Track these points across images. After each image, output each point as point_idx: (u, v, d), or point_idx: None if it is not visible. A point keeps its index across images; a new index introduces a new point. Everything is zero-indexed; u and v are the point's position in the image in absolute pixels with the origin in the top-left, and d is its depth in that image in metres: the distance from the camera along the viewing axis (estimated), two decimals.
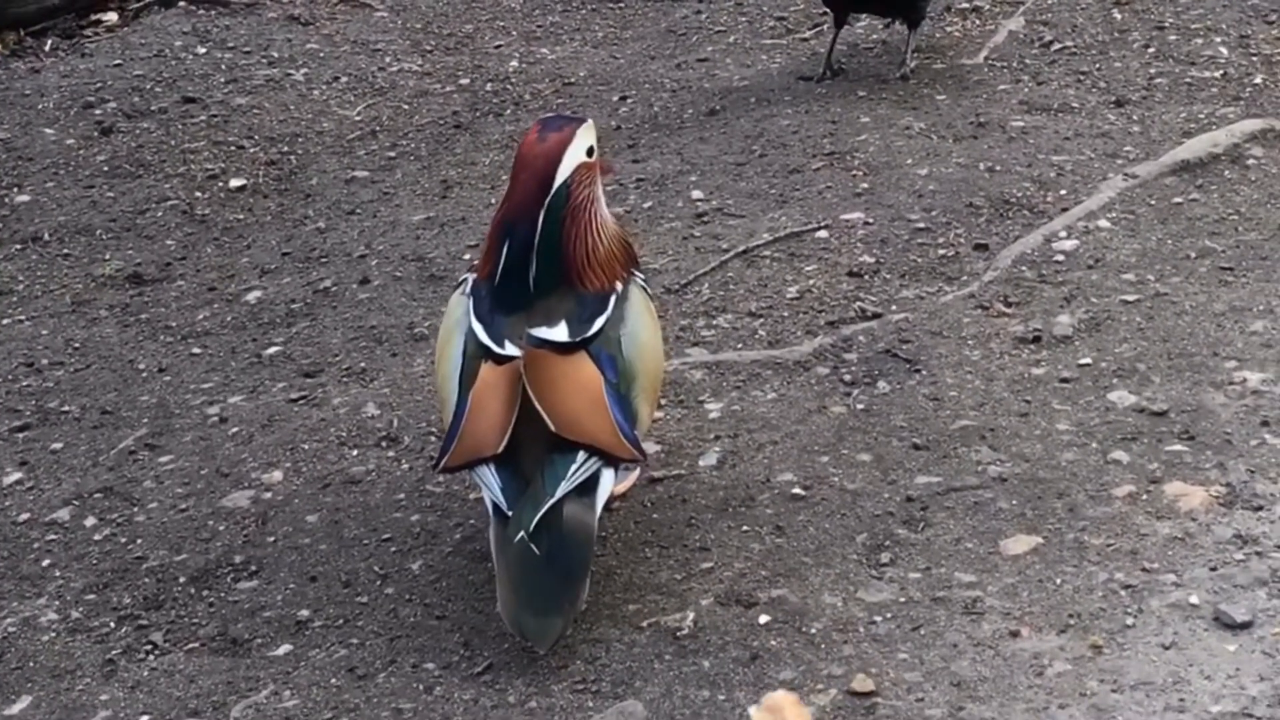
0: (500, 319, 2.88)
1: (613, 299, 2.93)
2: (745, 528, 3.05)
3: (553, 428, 2.77)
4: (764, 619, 2.82)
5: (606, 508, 3.05)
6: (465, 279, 3.02)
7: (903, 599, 2.84)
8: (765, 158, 4.58)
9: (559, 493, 2.75)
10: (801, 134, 4.71)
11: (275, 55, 5.85)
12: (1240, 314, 3.56)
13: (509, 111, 5.26)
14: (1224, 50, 5.07)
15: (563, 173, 2.90)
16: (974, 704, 2.60)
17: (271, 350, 3.89)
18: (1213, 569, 2.84)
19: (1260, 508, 2.97)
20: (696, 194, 4.41)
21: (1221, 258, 3.79)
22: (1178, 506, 3.00)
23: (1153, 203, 4.06)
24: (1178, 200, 4.06)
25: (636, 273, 3.04)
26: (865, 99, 4.94)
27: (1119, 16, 5.43)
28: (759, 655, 2.74)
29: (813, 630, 2.78)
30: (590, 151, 2.97)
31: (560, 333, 2.86)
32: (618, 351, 2.89)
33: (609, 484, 2.86)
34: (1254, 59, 4.99)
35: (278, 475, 3.36)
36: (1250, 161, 4.21)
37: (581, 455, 2.79)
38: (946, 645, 2.73)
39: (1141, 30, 5.30)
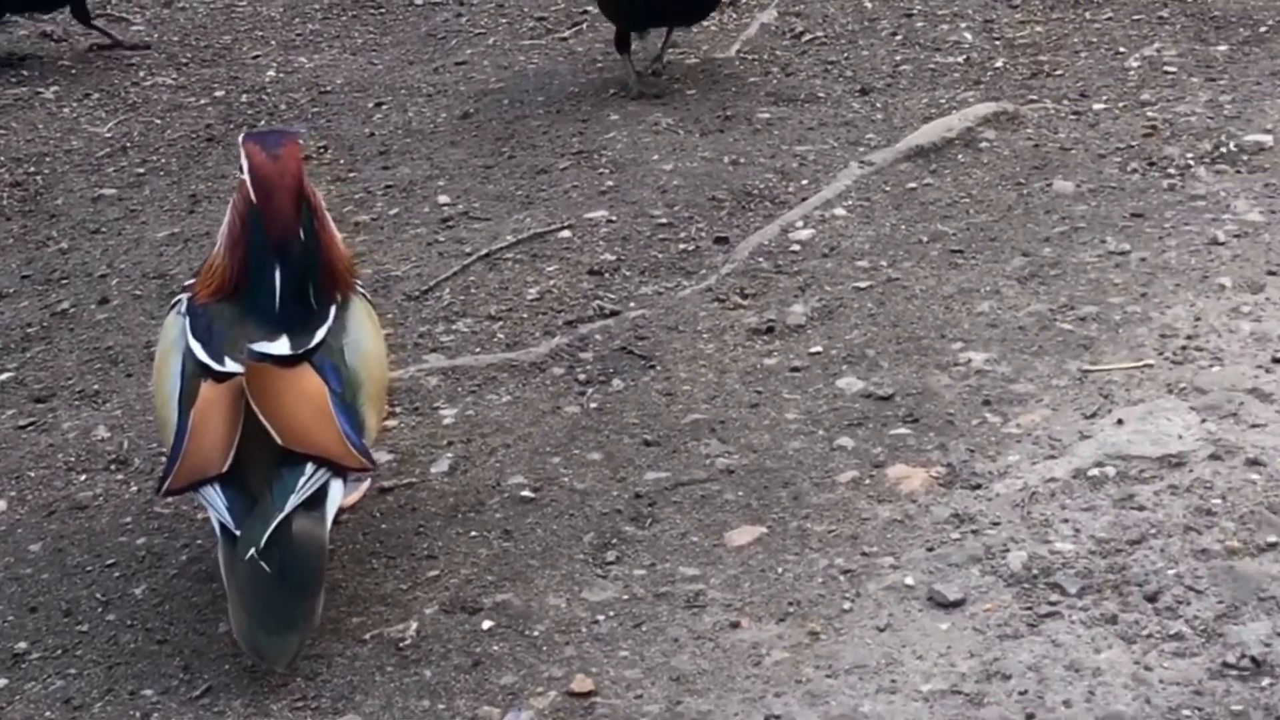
0: (219, 336, 2.83)
1: (333, 309, 2.90)
2: (474, 533, 3.04)
3: (279, 441, 2.74)
4: (487, 624, 2.80)
5: (335, 520, 3.02)
6: (180, 299, 2.97)
7: (626, 596, 2.84)
8: (514, 159, 4.57)
9: (288, 507, 2.72)
10: (551, 134, 4.70)
11: (25, 73, 5.73)
12: (968, 295, 3.61)
13: (263, 122, 5.19)
14: (969, 35, 5.16)
15: (307, 187, 2.89)
16: (692, 697, 2.61)
17: (2, 377, 3.80)
18: (929, 549, 2.87)
19: (978, 486, 3.01)
20: (443, 199, 4.38)
21: (952, 241, 3.85)
22: (899, 489, 3.03)
23: (888, 189, 4.11)
24: (912, 186, 4.11)
25: (356, 282, 3.02)
26: (616, 96, 4.95)
27: (870, 5, 5.51)
28: (481, 661, 2.72)
29: (535, 633, 2.78)
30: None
31: (281, 345, 2.82)
32: (341, 361, 2.86)
33: (338, 495, 2.83)
34: (997, 43, 5.08)
35: (1, 505, 3.28)
36: (983, 144, 4.28)
37: (310, 467, 2.76)
38: (667, 640, 2.73)
39: (891, 18, 5.37)
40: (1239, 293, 3.53)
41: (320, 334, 2.85)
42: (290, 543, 2.71)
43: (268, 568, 2.66)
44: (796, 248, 3.87)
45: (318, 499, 2.77)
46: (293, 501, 2.71)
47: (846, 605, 2.77)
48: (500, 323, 3.72)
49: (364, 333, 2.93)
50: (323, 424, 2.78)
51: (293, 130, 3.00)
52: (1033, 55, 4.94)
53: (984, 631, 2.68)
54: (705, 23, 5.46)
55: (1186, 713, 2.48)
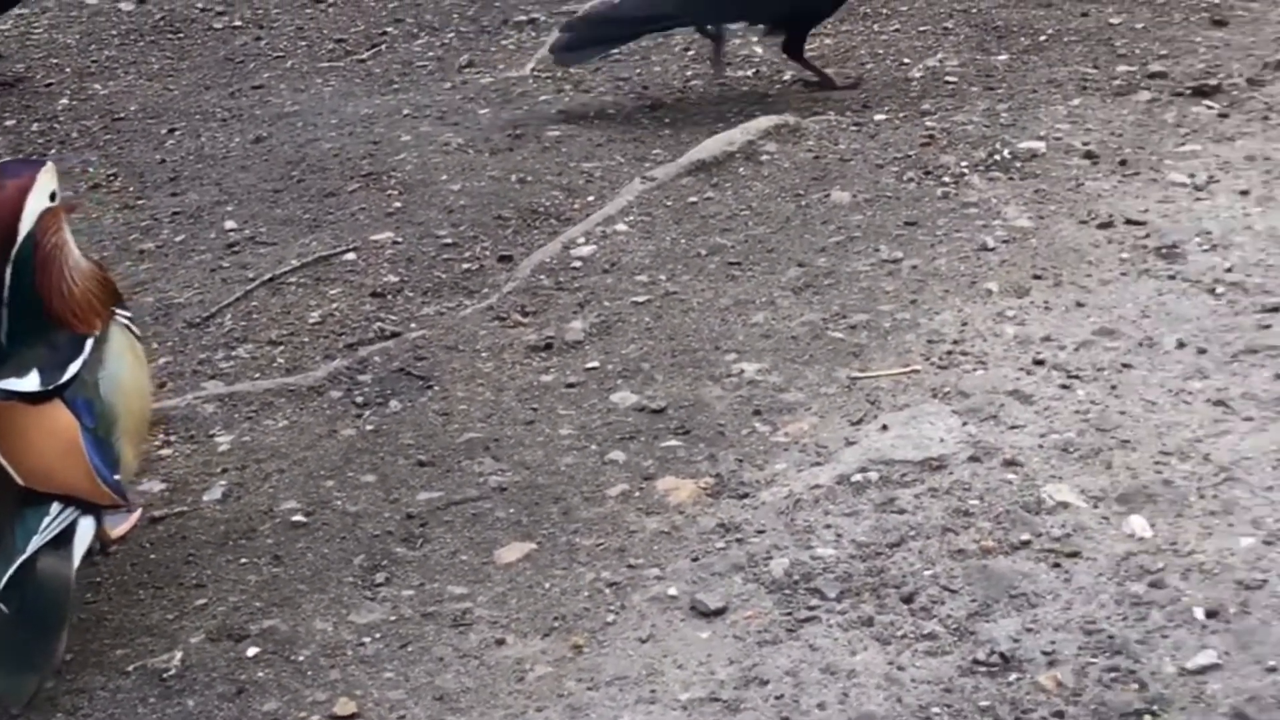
0: None
1: (89, 342, 2.87)
2: (244, 560, 3.03)
3: (19, 481, 2.71)
4: (253, 651, 2.79)
5: (103, 552, 3.00)
6: None
7: (393, 617, 2.85)
8: (303, 183, 4.56)
9: (30, 548, 2.69)
10: (342, 156, 4.70)
11: None
12: (744, 307, 3.66)
13: (54, 151, 5.12)
14: (759, 49, 5.22)
15: (26, 222, 2.84)
16: (454, 716, 2.62)
17: None
18: (694, 559, 2.91)
19: (745, 495, 3.06)
20: (230, 224, 4.36)
21: (731, 253, 3.90)
22: (667, 501, 3.06)
23: (669, 203, 4.15)
24: (693, 200, 4.16)
25: (120, 312, 2.99)
26: (409, 117, 4.95)
27: None
28: (245, 689, 2.72)
29: (300, 658, 2.77)
30: (53, 196, 2.90)
31: (31, 382, 2.79)
32: (95, 395, 2.84)
33: (88, 533, 2.80)
34: (786, 56, 5.13)
35: None
36: (764, 157, 4.34)
37: (56, 506, 2.74)
38: (432, 659, 2.74)
39: (685, 34, 5.41)
40: (1005, 297, 3.61)
41: (74, 369, 2.83)
42: (32, 583, 2.69)
43: (6, 609, 2.64)
44: (578, 264, 3.90)
45: (65, 537, 2.75)
46: (35, 543, 2.69)
47: (610, 618, 2.80)
48: (280, 347, 3.71)
49: (123, 365, 2.90)
50: (71, 461, 2.76)
51: (39, 161, 2.96)
52: (820, 68, 5.01)
53: (744, 638, 2.72)
54: (504, 42, 5.50)
55: (936, 710, 2.54)
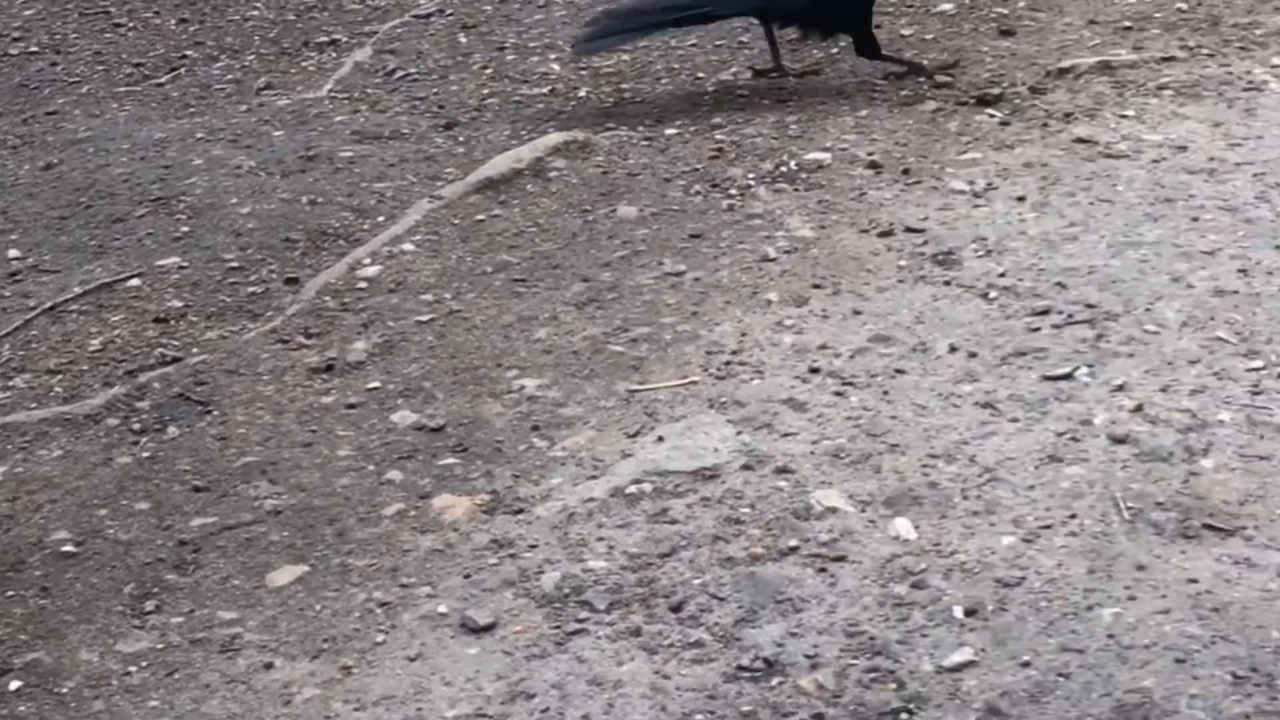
0: None
1: None
2: (10, 593, 2.98)
3: None
4: (15, 685, 2.75)
5: None
6: None
7: (161, 645, 2.82)
8: (91, 209, 4.50)
9: None
10: (132, 182, 4.64)
11: None
12: (527, 323, 3.67)
13: None
14: (556, 67, 5.24)
15: None
16: None
17: None
18: (466, 576, 2.91)
19: (520, 511, 3.06)
20: (13, 253, 4.29)
21: (516, 270, 3.91)
22: (442, 519, 3.06)
23: (457, 222, 4.15)
24: (481, 218, 4.17)
25: None
26: (203, 141, 4.91)
27: (464, 40, 5.56)
28: None
29: (64, 690, 2.74)
30: None
31: None
32: None
33: None
34: (583, 73, 5.17)
35: None
36: (553, 174, 4.35)
37: None
38: (199, 686, 2.72)
39: (484, 52, 5.43)
40: (784, 307, 3.65)
41: None
42: None
43: None
44: (363, 285, 3.89)
45: None
46: None
47: (380, 638, 2.79)
48: (59, 376, 3.66)
49: None
50: None
51: None
52: (616, 84, 5.04)
53: (512, 653, 2.72)
54: (304, 64, 5.47)
55: (700, 717, 2.56)
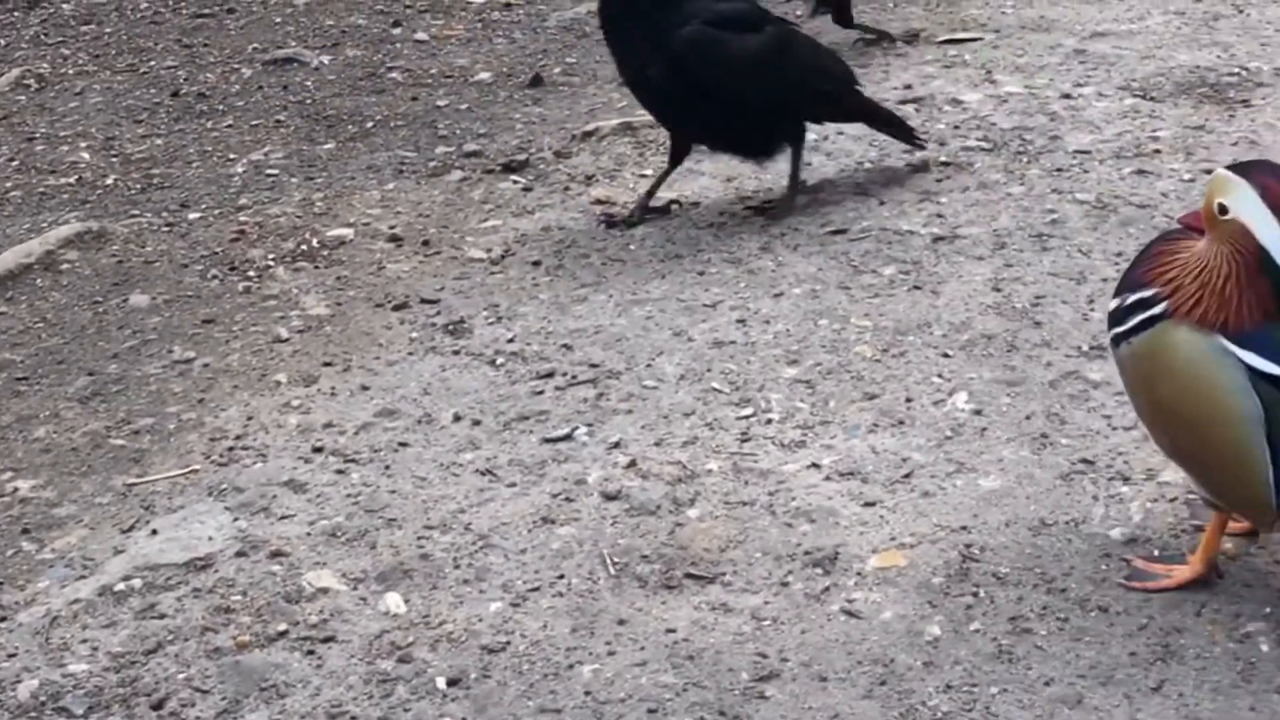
0: None
1: None
2: None
3: None
4: None
5: None
6: None
7: None
8: None
9: None
10: None
11: None
12: (26, 423, 3.57)
13: None
14: (86, 155, 5.13)
15: None
16: None
17: None
18: None
19: (2, 619, 2.96)
20: None
21: (19, 368, 3.80)
22: None
23: None
24: None
25: None
26: None
27: None
28: None
29: None
30: None
31: None
32: None
33: None
34: (114, 160, 5.07)
35: None
36: (64, 266, 4.25)
37: None
38: None
39: (12, 143, 5.28)
40: (293, 387, 3.63)
41: None
42: None
43: None
44: None
45: None
46: None
47: None
48: None
49: None
50: None
51: None
52: (146, 169, 4.96)
53: None
54: None
55: None
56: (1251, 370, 2.59)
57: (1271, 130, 4.57)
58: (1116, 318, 2.74)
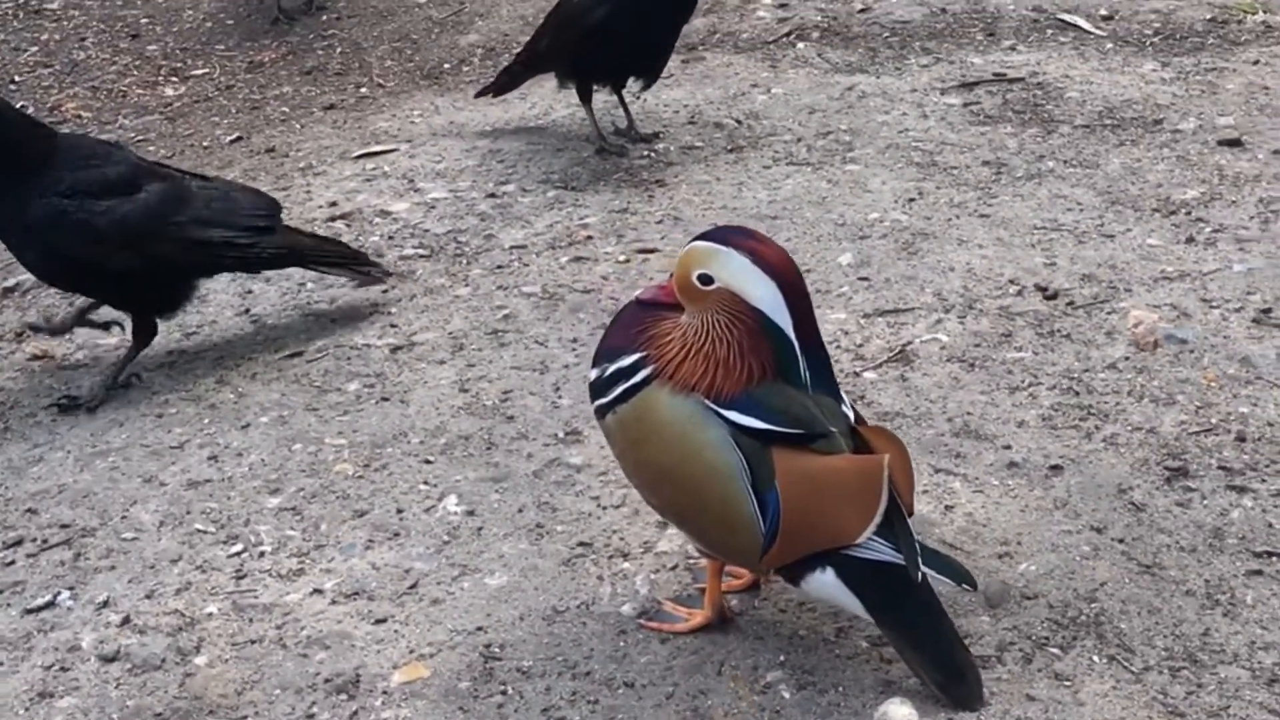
0: None
1: None
2: None
3: None
4: None
5: None
6: None
7: None
8: None
9: None
10: None
11: None
12: None
13: None
14: None
15: None
16: None
17: None
18: None
19: None
20: None
21: None
22: None
23: None
24: None
25: None
26: None
27: None
28: None
29: None
30: None
31: None
32: None
33: None
34: None
35: None
36: None
37: None
38: None
39: None
40: None
41: None
42: None
43: None
44: None
45: None
46: None
47: None
48: None
49: None
50: None
51: None
52: None
53: None
54: None
55: None
56: (732, 425, 2.69)
57: (690, 205, 4.79)
58: (598, 389, 2.80)
